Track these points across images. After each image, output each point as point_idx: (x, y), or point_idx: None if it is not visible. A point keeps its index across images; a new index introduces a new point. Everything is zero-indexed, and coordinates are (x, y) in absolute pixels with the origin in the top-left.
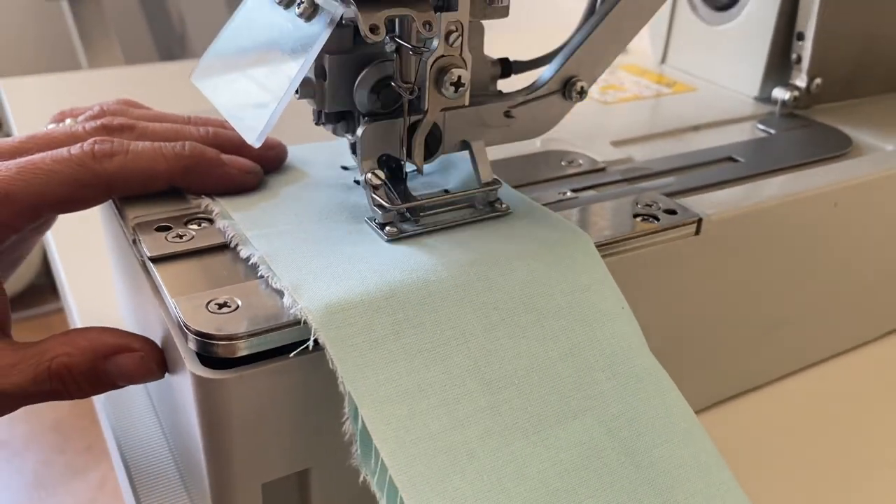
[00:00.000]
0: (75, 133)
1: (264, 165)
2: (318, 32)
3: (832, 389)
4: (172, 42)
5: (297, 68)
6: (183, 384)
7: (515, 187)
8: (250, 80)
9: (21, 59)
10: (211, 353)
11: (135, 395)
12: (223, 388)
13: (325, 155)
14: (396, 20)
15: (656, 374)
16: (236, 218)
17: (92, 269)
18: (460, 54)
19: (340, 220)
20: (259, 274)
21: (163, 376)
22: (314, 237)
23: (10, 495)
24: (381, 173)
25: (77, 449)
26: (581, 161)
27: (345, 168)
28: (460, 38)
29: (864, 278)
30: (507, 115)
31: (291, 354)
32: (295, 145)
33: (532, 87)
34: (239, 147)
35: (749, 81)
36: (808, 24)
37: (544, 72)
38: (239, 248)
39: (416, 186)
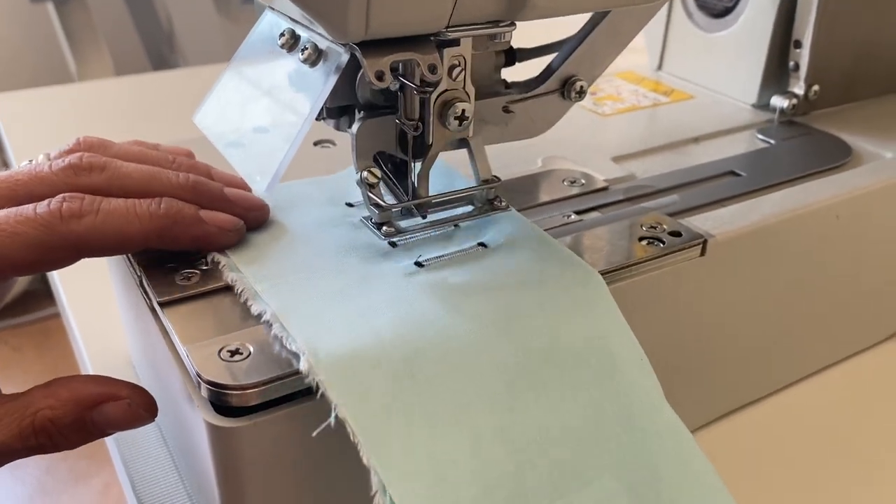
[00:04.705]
0: (40, 174)
1: (247, 223)
2: (324, 78)
3: (836, 394)
4: (163, 46)
5: (305, 116)
6: (196, 429)
7: (518, 211)
8: (256, 125)
9: (9, 70)
10: (224, 402)
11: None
12: (238, 435)
13: (328, 190)
14: (400, 63)
15: (676, 430)
16: (244, 270)
17: (89, 279)
18: (464, 88)
19: (351, 264)
20: (273, 333)
21: (153, 420)
22: (326, 287)
23: (15, 502)
24: (377, 171)
25: (80, 454)
26: (583, 180)
27: (350, 205)
28: (463, 72)
29: (867, 285)
30: (506, 109)
31: (314, 433)
32: (296, 180)
33: (530, 85)
34: (220, 200)
35: (747, 89)
36: (806, 32)
37: (543, 70)
38: (249, 303)
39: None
